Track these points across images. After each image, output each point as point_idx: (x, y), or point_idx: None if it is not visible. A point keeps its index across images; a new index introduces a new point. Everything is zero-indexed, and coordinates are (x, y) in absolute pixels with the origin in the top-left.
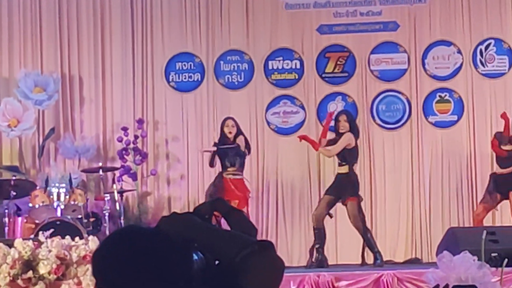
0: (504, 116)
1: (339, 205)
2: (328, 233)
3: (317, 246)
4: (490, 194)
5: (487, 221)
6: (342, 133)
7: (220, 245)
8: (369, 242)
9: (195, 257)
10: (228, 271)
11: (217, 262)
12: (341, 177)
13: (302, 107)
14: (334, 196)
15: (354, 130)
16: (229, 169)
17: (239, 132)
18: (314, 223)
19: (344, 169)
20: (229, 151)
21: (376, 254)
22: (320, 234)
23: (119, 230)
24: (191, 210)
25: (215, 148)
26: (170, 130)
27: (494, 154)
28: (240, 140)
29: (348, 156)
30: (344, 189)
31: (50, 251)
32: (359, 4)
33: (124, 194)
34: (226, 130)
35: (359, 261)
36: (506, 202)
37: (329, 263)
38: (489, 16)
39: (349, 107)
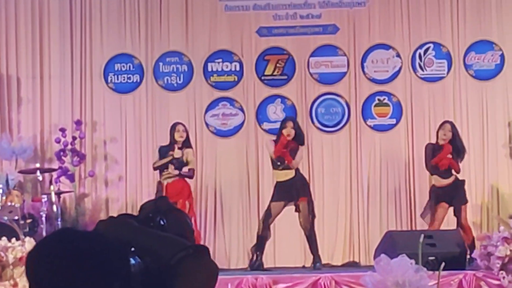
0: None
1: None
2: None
3: (258, 252)
4: (435, 207)
5: (424, 225)
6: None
7: (157, 248)
8: (313, 244)
9: (132, 260)
10: (164, 274)
11: (154, 265)
12: (289, 181)
13: (241, 110)
14: (285, 201)
15: (301, 137)
16: (163, 173)
17: (188, 139)
18: (267, 232)
19: (291, 173)
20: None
21: (316, 257)
22: (264, 242)
23: (54, 233)
24: (129, 211)
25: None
26: (108, 131)
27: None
28: (187, 153)
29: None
30: (295, 190)
31: None
32: (298, 7)
33: (62, 196)
34: (176, 135)
35: (299, 264)
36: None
37: (268, 265)
38: (428, 20)
39: (288, 110)
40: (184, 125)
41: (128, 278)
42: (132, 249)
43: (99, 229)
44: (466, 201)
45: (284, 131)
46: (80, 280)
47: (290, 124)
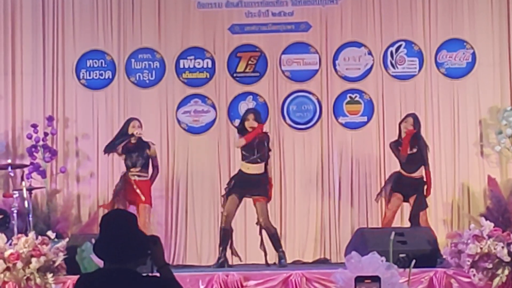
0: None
1: (249, 204)
2: (237, 232)
3: (221, 248)
4: (391, 194)
5: (396, 221)
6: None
7: None
8: (275, 241)
9: None
10: None
11: None
12: (255, 177)
13: (213, 106)
14: (242, 195)
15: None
16: (132, 170)
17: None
18: (226, 223)
19: (260, 168)
20: (132, 151)
21: (281, 253)
22: (228, 234)
23: None
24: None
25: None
26: (80, 128)
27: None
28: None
29: (264, 155)
30: (256, 188)
31: None
32: (271, 5)
33: (33, 192)
34: (131, 131)
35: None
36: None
37: (235, 262)
38: (400, 18)
39: (260, 107)
40: (139, 121)
41: None
42: None
43: None
44: (426, 206)
45: (247, 124)
46: None
47: (251, 116)
